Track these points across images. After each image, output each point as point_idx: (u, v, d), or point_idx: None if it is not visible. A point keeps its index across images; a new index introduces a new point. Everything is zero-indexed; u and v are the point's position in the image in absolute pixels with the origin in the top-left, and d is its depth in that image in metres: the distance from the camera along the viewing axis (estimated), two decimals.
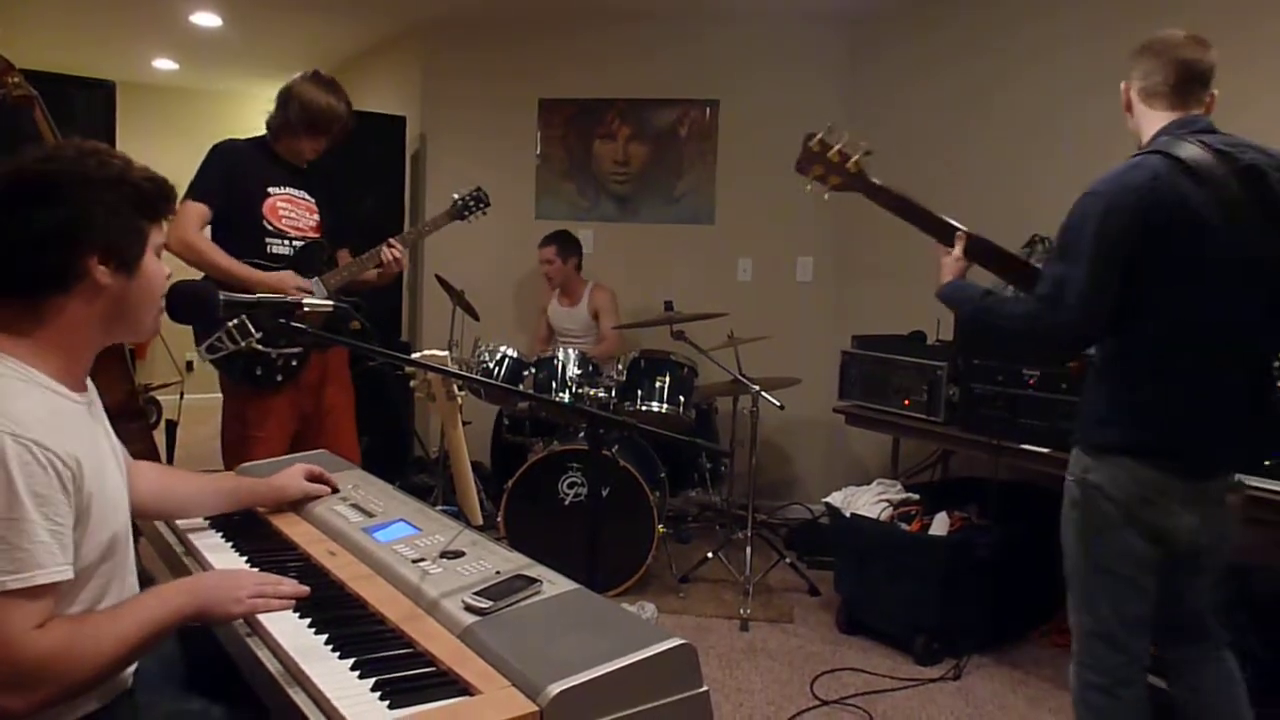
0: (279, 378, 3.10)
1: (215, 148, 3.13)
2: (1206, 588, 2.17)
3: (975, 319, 2.20)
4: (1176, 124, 2.04)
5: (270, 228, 3.12)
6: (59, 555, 1.27)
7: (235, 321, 1.76)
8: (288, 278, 3.07)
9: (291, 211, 3.18)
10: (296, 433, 3.20)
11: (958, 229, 2.30)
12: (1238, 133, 2.05)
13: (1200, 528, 2.05)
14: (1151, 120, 2.09)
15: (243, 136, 3.22)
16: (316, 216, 3.25)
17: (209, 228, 3.07)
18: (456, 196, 3.56)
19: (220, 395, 3.17)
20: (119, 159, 1.41)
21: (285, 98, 3.14)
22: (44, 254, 1.34)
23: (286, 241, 3.15)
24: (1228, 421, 2.03)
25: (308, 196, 3.24)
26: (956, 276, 2.29)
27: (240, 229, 3.07)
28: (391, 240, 3.27)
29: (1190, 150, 1.95)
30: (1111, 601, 2.09)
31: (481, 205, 3.57)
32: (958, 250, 2.29)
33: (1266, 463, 2.56)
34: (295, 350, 3.10)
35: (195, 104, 7.89)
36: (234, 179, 3.08)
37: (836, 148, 2.40)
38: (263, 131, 3.22)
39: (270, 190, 3.14)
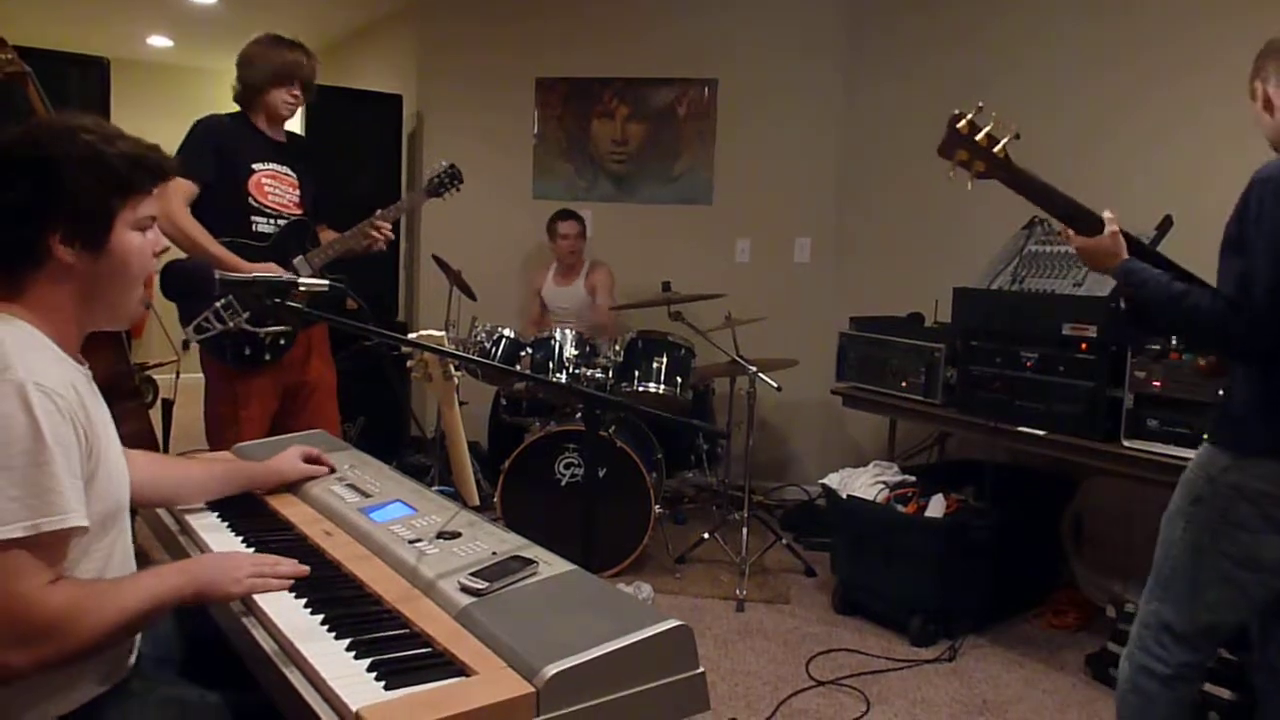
0: (267, 356, 3.09)
1: (199, 123, 3.09)
2: None
3: (1163, 304, 2.04)
4: None
5: (255, 204, 3.10)
6: (82, 505, 1.29)
7: (223, 301, 1.74)
8: (267, 270, 3.02)
9: (276, 187, 3.16)
10: (278, 408, 3.20)
11: (1099, 216, 2.14)
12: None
13: None
14: None
15: (224, 113, 3.20)
16: (299, 192, 3.24)
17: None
18: (430, 172, 3.54)
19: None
20: (97, 134, 1.39)
21: (245, 61, 3.13)
22: (7, 231, 1.35)
23: (271, 219, 3.14)
24: None
25: (290, 172, 3.22)
26: (1125, 253, 2.11)
27: (225, 206, 3.04)
28: (376, 218, 3.23)
29: None
30: (1217, 606, 2.04)
31: (455, 181, 3.53)
32: (1112, 227, 2.12)
33: None
34: (283, 329, 3.09)
35: (190, 82, 7.84)
36: (221, 154, 3.05)
37: (985, 130, 2.17)
38: (237, 109, 3.19)
39: (255, 166, 3.12)
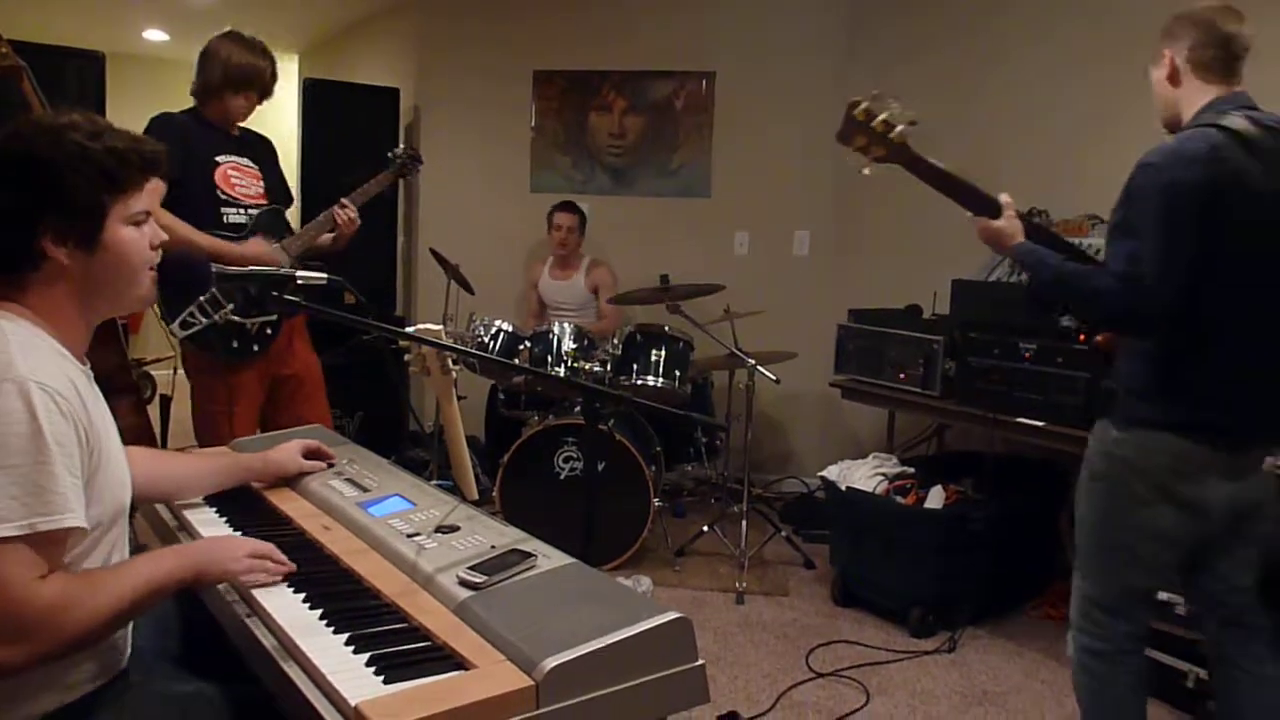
0: (255, 347, 3.08)
1: (155, 120, 3.04)
2: (1250, 561, 2.14)
3: (1056, 285, 2.11)
4: (1223, 100, 2.02)
5: (225, 196, 3.10)
6: (81, 505, 1.30)
7: (206, 295, 1.73)
8: (255, 246, 3.04)
9: (241, 179, 3.17)
10: (264, 401, 3.20)
11: (998, 200, 2.20)
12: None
13: (1238, 495, 2.03)
14: (1198, 94, 2.05)
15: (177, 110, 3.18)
16: (263, 184, 3.24)
17: None
18: (391, 155, 3.62)
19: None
20: (84, 130, 1.38)
21: (204, 60, 3.11)
22: (2, 237, 1.36)
23: (241, 210, 3.13)
24: (1272, 395, 2.01)
25: (251, 164, 3.22)
26: (1023, 235, 2.17)
27: (194, 200, 3.01)
28: (344, 200, 3.26)
29: (1240, 123, 1.94)
30: (1129, 574, 2.10)
31: (415, 163, 3.68)
32: (1009, 212, 2.19)
33: None
34: (270, 318, 3.08)
35: (185, 76, 7.70)
36: (184, 149, 2.99)
37: (881, 116, 2.23)
38: (191, 103, 3.18)
39: (218, 159, 3.12)
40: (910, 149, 2.24)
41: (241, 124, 3.23)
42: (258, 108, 3.23)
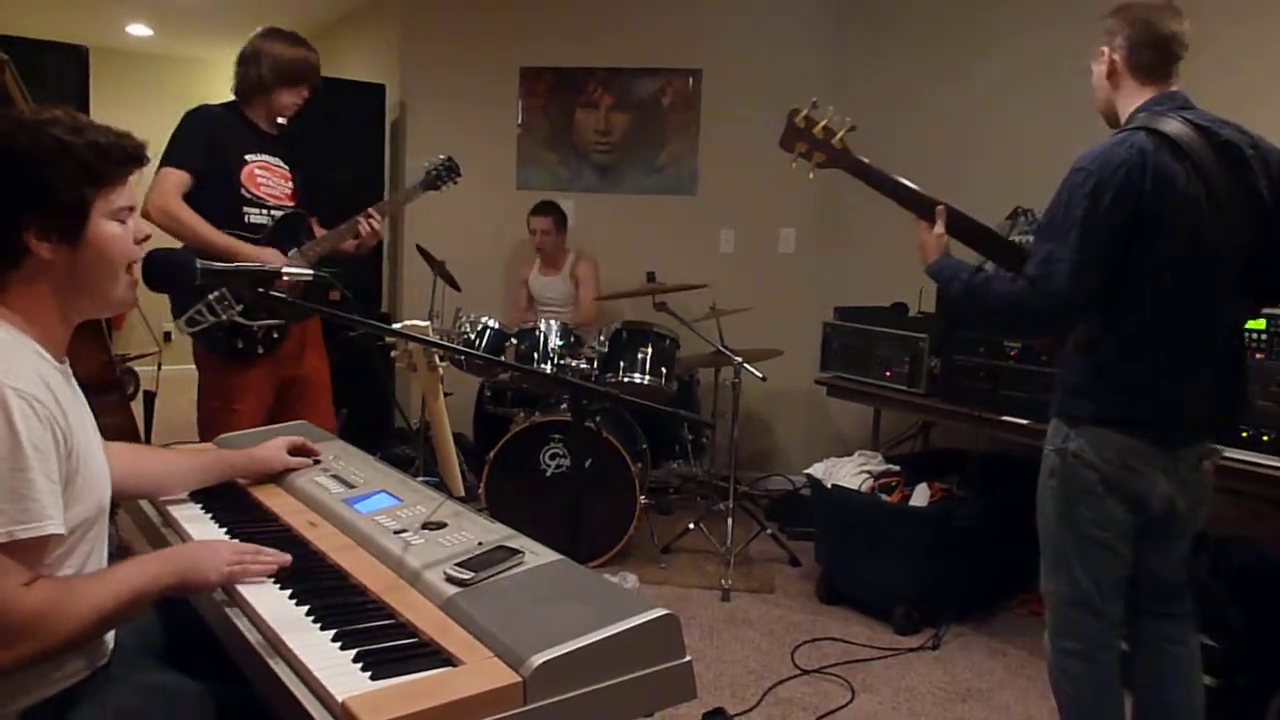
0: (260, 350, 3.06)
1: (192, 112, 3.05)
2: (1179, 555, 2.20)
3: (964, 297, 2.17)
4: (1157, 100, 2.04)
5: (248, 196, 3.07)
6: (59, 511, 1.29)
7: (216, 294, 1.73)
8: (270, 255, 3.01)
9: (269, 179, 3.13)
10: (273, 403, 3.18)
11: (937, 204, 2.27)
12: None
13: (1177, 493, 2.08)
14: (1134, 93, 2.07)
15: (215, 103, 3.16)
16: (291, 184, 3.21)
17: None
18: (428, 165, 3.53)
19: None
20: (63, 126, 1.37)
21: (252, 57, 3.06)
22: None
23: (264, 210, 3.10)
24: (1202, 392, 2.05)
25: (281, 164, 3.18)
26: (941, 253, 2.26)
27: (218, 197, 3.00)
28: (370, 210, 3.24)
29: (1173, 126, 1.96)
30: (1090, 568, 2.12)
31: (453, 175, 3.55)
32: (939, 226, 2.26)
33: (1243, 434, 2.59)
34: (276, 322, 3.07)
35: (170, 71, 7.77)
36: (213, 145, 3.01)
37: (822, 123, 2.35)
38: (231, 98, 3.15)
39: (247, 158, 3.08)
40: (851, 154, 2.33)
41: (283, 120, 3.19)
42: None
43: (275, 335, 3.09)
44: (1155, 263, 1.96)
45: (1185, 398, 2.03)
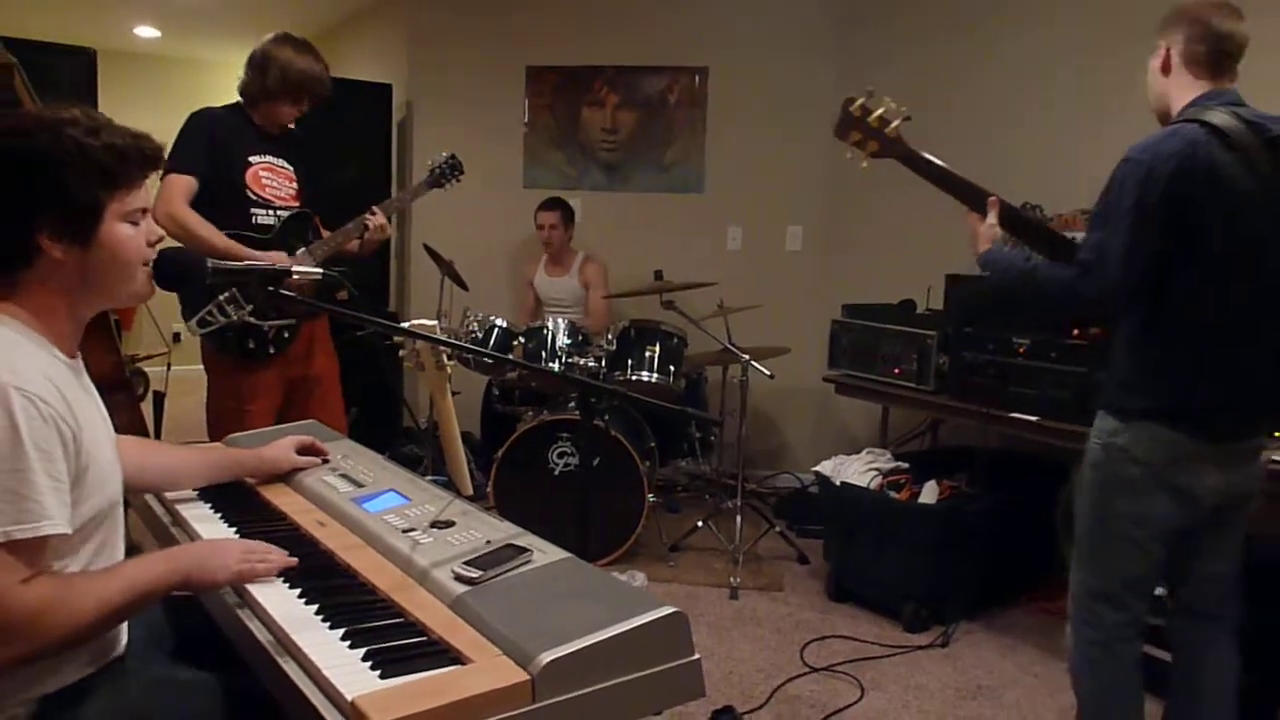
0: (270, 350, 3.07)
1: (194, 116, 3.05)
2: (1231, 549, 2.19)
3: (1019, 284, 2.17)
4: (1207, 95, 2.04)
5: (254, 197, 3.08)
6: (61, 510, 1.29)
7: (226, 295, 1.73)
8: (276, 258, 2.99)
9: (273, 180, 3.13)
10: (283, 403, 3.18)
11: (989, 196, 2.27)
12: None
13: (1227, 486, 2.07)
14: (1187, 88, 2.08)
15: (219, 105, 3.16)
16: (295, 185, 3.21)
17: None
18: (431, 163, 3.53)
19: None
20: (82, 125, 1.37)
21: (261, 63, 3.05)
22: None
23: (271, 211, 3.11)
24: (1255, 387, 2.05)
25: (286, 164, 3.19)
26: (994, 243, 2.25)
27: (224, 199, 3.01)
28: (374, 208, 3.24)
29: (1224, 119, 1.97)
30: (1120, 563, 2.12)
31: (456, 171, 3.56)
32: (992, 217, 2.26)
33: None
34: (287, 322, 3.07)
35: (177, 72, 7.79)
36: (216, 147, 3.01)
37: (877, 113, 2.34)
38: (237, 99, 3.15)
39: (251, 159, 3.09)
40: (905, 143, 2.32)
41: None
42: None
43: (286, 335, 3.09)
44: (1205, 254, 1.96)
45: (1236, 391, 2.03)
